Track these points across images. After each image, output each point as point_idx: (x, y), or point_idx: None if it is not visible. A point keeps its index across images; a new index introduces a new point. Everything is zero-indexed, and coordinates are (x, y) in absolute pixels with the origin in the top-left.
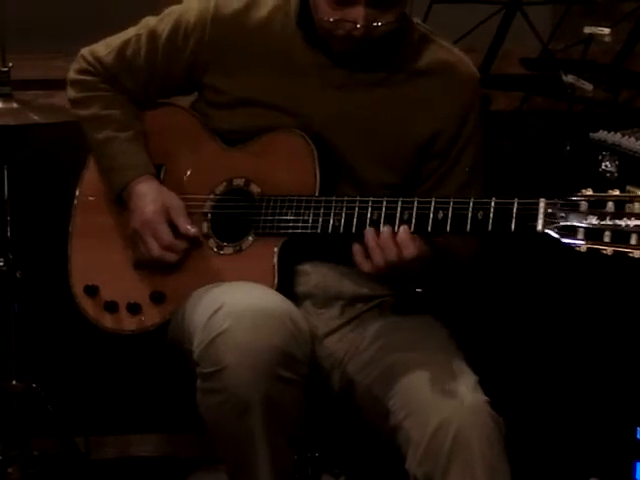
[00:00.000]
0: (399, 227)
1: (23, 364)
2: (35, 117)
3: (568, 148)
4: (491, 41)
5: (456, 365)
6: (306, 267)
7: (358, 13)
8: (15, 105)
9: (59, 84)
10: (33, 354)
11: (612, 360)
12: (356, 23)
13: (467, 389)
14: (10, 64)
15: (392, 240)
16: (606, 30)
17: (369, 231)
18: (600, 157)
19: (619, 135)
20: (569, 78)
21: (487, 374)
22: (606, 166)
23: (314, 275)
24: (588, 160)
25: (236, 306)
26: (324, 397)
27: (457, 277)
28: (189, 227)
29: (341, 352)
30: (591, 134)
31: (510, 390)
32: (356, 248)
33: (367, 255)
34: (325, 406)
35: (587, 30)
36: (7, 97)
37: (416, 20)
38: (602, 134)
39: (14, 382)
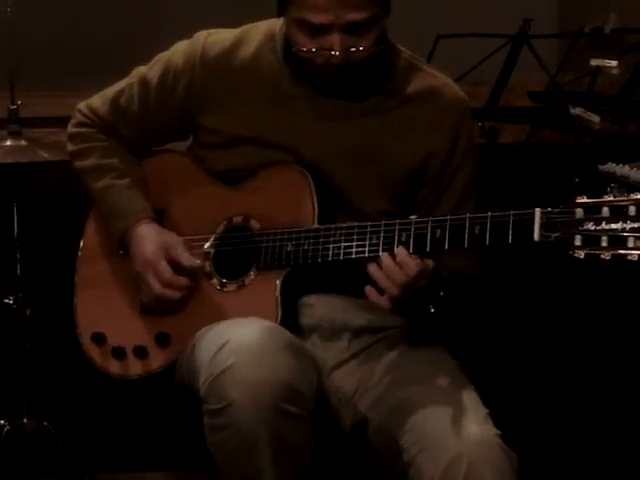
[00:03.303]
0: (396, 249)
1: (34, 402)
2: (44, 154)
3: (577, 180)
4: (498, 74)
5: (467, 398)
6: (311, 299)
7: (333, 40)
8: (24, 142)
9: (68, 121)
10: (44, 392)
11: (627, 388)
12: (332, 50)
13: (478, 423)
14: (19, 102)
15: (393, 263)
16: (613, 62)
17: (371, 265)
18: (609, 189)
19: (627, 167)
20: (576, 110)
21: (498, 406)
22: None
23: (320, 307)
24: (597, 192)
25: (241, 341)
26: (334, 433)
27: (465, 294)
28: (188, 259)
29: (350, 387)
30: (599, 166)
31: (521, 423)
32: (368, 289)
33: (379, 290)
34: (335, 442)
35: (594, 62)
36: (16, 135)
37: (401, 47)
38: (610, 166)
39: (25, 420)
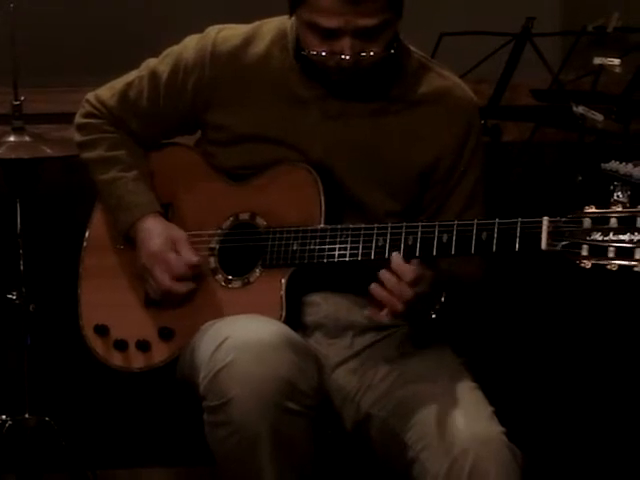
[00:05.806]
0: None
1: (36, 397)
2: (48, 150)
3: (580, 179)
4: (501, 73)
5: (471, 396)
6: (316, 298)
7: (344, 44)
8: (27, 138)
9: (72, 117)
10: (46, 387)
11: (633, 387)
12: (343, 54)
13: (483, 420)
14: (22, 97)
15: (389, 272)
16: (616, 61)
17: (373, 284)
18: (612, 188)
19: (631, 166)
20: (579, 109)
21: (503, 404)
22: (618, 197)
23: (324, 305)
24: (600, 191)
25: (240, 338)
26: (336, 431)
27: (467, 299)
28: (191, 256)
29: (353, 385)
30: (602, 165)
31: (526, 420)
32: (371, 312)
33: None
34: (338, 440)
35: (597, 61)
36: (20, 130)
37: (413, 48)
38: (613, 165)
39: (27, 415)
